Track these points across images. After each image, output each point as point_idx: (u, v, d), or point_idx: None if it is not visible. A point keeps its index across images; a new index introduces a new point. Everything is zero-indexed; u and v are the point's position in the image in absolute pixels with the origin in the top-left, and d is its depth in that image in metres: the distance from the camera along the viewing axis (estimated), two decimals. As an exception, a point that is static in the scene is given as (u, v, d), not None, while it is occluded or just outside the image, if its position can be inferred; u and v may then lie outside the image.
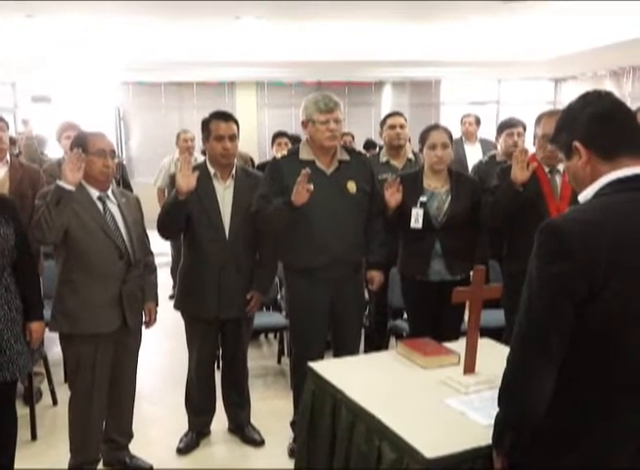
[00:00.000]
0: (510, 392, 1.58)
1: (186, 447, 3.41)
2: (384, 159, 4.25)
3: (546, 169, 3.26)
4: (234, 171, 3.32)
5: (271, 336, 5.25)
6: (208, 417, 3.53)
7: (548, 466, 1.56)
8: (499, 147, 4.67)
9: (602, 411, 1.50)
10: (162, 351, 4.89)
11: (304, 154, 3.20)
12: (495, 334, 3.11)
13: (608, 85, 10.00)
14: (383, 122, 4.37)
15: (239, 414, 3.56)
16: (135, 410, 3.28)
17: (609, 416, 1.50)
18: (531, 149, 3.33)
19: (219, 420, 3.58)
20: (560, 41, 7.80)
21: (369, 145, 7.76)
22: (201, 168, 3.23)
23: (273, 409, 3.84)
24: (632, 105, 6.48)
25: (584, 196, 1.59)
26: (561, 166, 3.15)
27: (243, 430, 3.53)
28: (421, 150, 3.54)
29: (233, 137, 3.24)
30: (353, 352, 3.24)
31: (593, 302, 1.43)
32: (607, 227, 1.45)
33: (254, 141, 10.74)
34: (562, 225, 1.48)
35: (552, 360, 1.49)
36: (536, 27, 6.91)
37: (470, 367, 2.36)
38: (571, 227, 1.46)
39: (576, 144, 1.57)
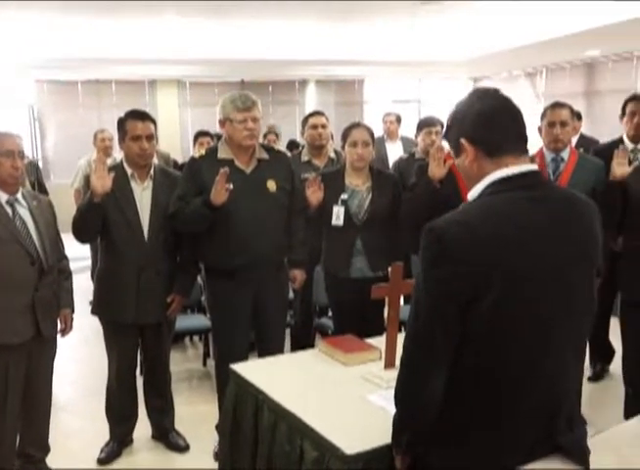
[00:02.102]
0: (401, 392, 1.59)
1: (107, 457, 3.31)
2: (305, 158, 4.26)
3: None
4: (152, 172, 3.25)
5: (196, 338, 5.17)
6: (131, 425, 3.44)
7: (443, 462, 1.57)
8: (418, 145, 4.76)
9: (491, 410, 1.53)
10: (81, 358, 4.74)
11: (223, 153, 3.16)
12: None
13: (522, 84, 10.38)
14: (304, 122, 4.38)
15: (162, 420, 3.49)
16: (53, 422, 3.17)
17: (498, 414, 1.53)
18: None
19: (142, 427, 3.49)
20: (477, 42, 8.04)
21: (292, 145, 7.75)
22: (117, 169, 3.15)
23: (198, 413, 3.79)
24: (545, 103, 6.74)
25: (472, 195, 1.60)
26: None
27: (167, 436, 3.46)
28: (343, 147, 3.56)
29: (150, 137, 3.17)
30: (277, 351, 3.22)
31: (477, 303, 1.45)
32: (488, 229, 1.47)
33: (177, 140, 10.56)
34: (444, 228, 1.48)
35: (439, 361, 1.51)
36: (454, 29, 7.09)
37: (390, 362, 2.39)
38: (454, 230, 1.47)
39: (463, 141, 1.59)
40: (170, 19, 6.24)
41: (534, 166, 1.61)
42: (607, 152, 3.73)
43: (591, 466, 1.58)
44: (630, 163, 3.45)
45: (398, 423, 1.65)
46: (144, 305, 3.18)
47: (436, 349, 1.50)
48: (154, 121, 3.23)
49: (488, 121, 1.57)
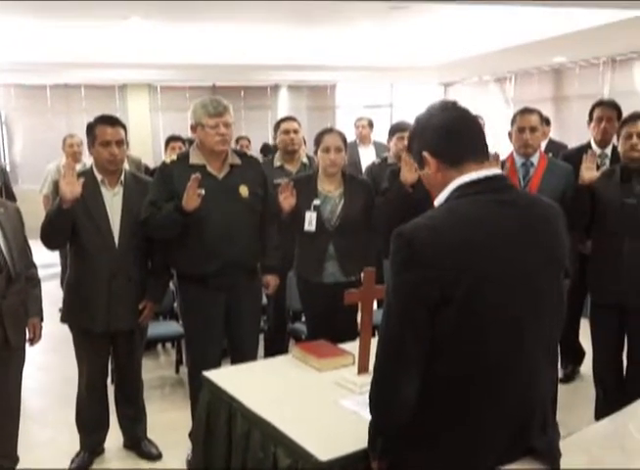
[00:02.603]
0: (375, 398, 1.60)
1: (78, 468, 3.25)
2: (278, 163, 4.25)
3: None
4: (123, 177, 3.21)
5: (168, 345, 5.12)
6: (102, 434, 3.39)
7: (417, 467, 1.58)
8: (391, 150, 4.78)
9: (462, 414, 1.54)
10: (51, 367, 4.66)
11: (195, 158, 3.14)
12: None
13: (493, 89, 10.50)
14: (276, 127, 4.37)
15: (134, 429, 3.44)
16: (22, 432, 3.11)
17: (469, 418, 1.54)
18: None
19: (114, 436, 3.44)
20: (447, 48, 8.11)
21: (266, 150, 7.74)
22: (87, 175, 3.11)
23: (171, 421, 3.74)
24: (515, 108, 6.83)
25: (438, 201, 1.63)
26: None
27: (139, 445, 3.42)
28: (315, 153, 3.56)
29: (120, 142, 3.14)
30: (251, 358, 3.20)
31: (447, 307, 1.46)
32: (457, 233, 1.49)
33: (148, 145, 10.47)
34: (412, 233, 1.49)
35: (411, 366, 1.51)
36: (425, 34, 7.15)
37: (363, 367, 2.39)
38: (423, 234, 1.48)
39: (425, 154, 1.62)
40: (137, 22, 6.18)
41: (499, 171, 1.64)
42: (575, 157, 3.79)
43: (562, 467, 1.59)
44: (598, 167, 3.51)
45: (373, 428, 1.66)
46: (115, 312, 3.14)
47: (407, 353, 1.50)
48: (124, 126, 3.20)
49: (448, 134, 1.61)
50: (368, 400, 1.62)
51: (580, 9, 5.35)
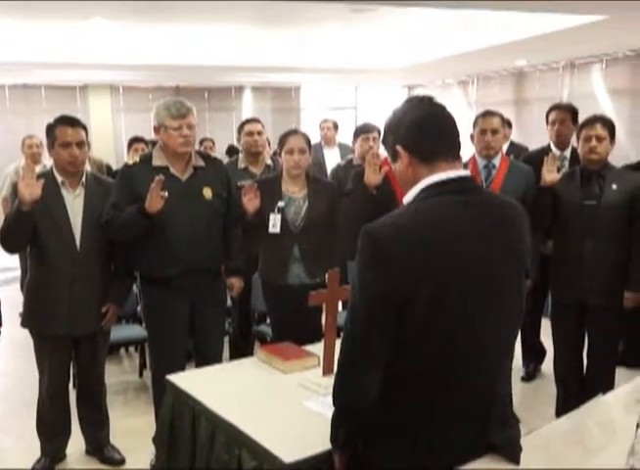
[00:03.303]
0: (337, 390, 1.62)
1: (39, 475, 3.20)
2: (242, 165, 4.23)
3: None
4: (84, 179, 3.16)
5: (132, 349, 5.06)
6: (63, 440, 3.33)
7: (380, 459, 1.60)
8: (356, 151, 4.81)
9: (425, 409, 1.56)
10: (11, 372, 4.57)
11: (158, 160, 3.11)
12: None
13: (455, 92, 10.63)
14: (240, 129, 4.35)
15: (97, 434, 3.39)
16: (-21, 440, 3.04)
17: (432, 413, 1.57)
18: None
19: (76, 442, 3.38)
20: (411, 51, 8.17)
21: (232, 151, 7.70)
22: (47, 176, 3.06)
23: (134, 426, 3.70)
24: (477, 110, 6.92)
25: (407, 199, 1.64)
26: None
27: (102, 450, 3.37)
28: (279, 154, 3.56)
29: (81, 144, 3.09)
30: (216, 360, 3.18)
31: (411, 305, 1.48)
32: (422, 232, 1.51)
33: (111, 147, 10.32)
34: (379, 232, 1.51)
35: (374, 361, 1.54)
36: (388, 38, 7.19)
37: (328, 368, 2.39)
38: (388, 233, 1.50)
39: (398, 148, 1.63)
40: (98, 22, 6.08)
41: (467, 172, 1.66)
42: (536, 159, 3.86)
43: (522, 464, 1.62)
44: (559, 170, 3.58)
45: (335, 420, 1.67)
46: (77, 315, 3.09)
47: (372, 349, 1.52)
48: (84, 127, 3.15)
49: (422, 129, 1.62)
50: (332, 398, 1.64)
51: (541, 14, 5.44)
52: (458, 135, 1.67)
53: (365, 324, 1.52)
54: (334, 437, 1.68)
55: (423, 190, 1.60)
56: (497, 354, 1.64)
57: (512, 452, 1.63)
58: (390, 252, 1.47)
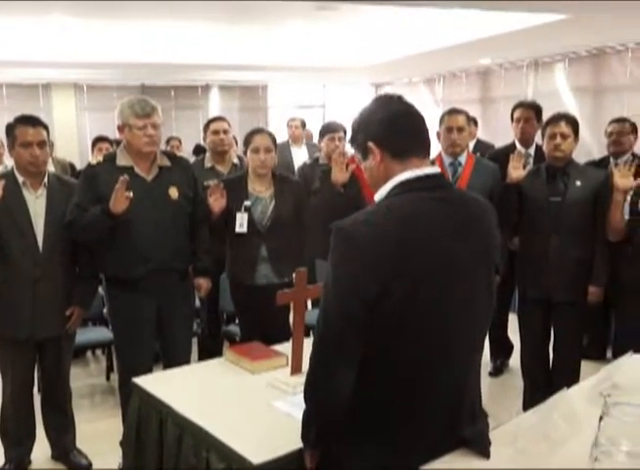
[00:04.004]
0: (309, 387, 1.62)
1: (3, 482, 3.13)
2: (208, 164, 4.19)
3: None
4: (46, 180, 3.10)
5: (99, 352, 4.99)
6: (28, 446, 3.26)
7: (351, 457, 1.60)
8: (322, 150, 4.80)
9: (396, 404, 1.57)
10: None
11: (122, 160, 3.07)
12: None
13: (422, 90, 10.69)
14: (206, 127, 4.30)
15: (63, 439, 3.33)
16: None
17: (403, 409, 1.58)
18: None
19: (41, 447, 3.32)
20: (378, 49, 8.19)
21: (199, 150, 7.64)
22: (8, 177, 3.00)
23: (101, 430, 3.64)
24: (443, 108, 6.97)
25: (379, 196, 1.65)
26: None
27: (67, 456, 3.31)
28: (245, 153, 3.54)
29: (42, 143, 3.03)
30: (184, 362, 3.15)
31: (384, 300, 1.49)
32: (393, 229, 1.52)
33: (74, 146, 10.15)
34: (352, 228, 1.52)
35: (347, 358, 1.54)
36: (355, 36, 7.20)
37: (297, 368, 2.38)
38: (361, 229, 1.51)
39: (370, 144, 1.64)
40: (58, 18, 5.96)
41: (438, 169, 1.68)
42: (501, 156, 3.91)
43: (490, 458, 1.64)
44: (524, 167, 3.63)
45: (306, 418, 1.66)
46: (40, 318, 3.04)
47: (345, 345, 1.52)
48: (46, 127, 3.08)
49: (395, 125, 1.63)
50: (303, 396, 1.63)
51: (504, 12, 5.50)
52: (428, 133, 1.69)
53: (339, 321, 1.52)
54: (305, 435, 1.67)
55: (396, 186, 1.61)
56: (469, 350, 1.66)
57: (482, 447, 1.66)
58: (364, 248, 1.48)
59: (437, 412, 1.60)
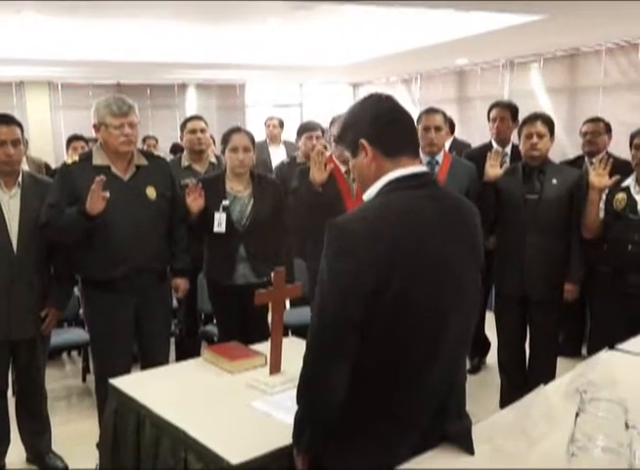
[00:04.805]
0: (306, 389, 1.60)
1: (-24, 486, 3.08)
2: (186, 163, 4.16)
3: (343, 169, 3.41)
4: (20, 179, 3.06)
5: (74, 353, 4.93)
6: (2, 449, 3.20)
7: (341, 457, 1.60)
8: (300, 149, 4.79)
9: (387, 401, 1.58)
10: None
11: (98, 159, 3.03)
12: (303, 331, 3.18)
13: (400, 90, 10.73)
14: (183, 126, 4.28)
15: (38, 442, 3.28)
16: None
17: (393, 405, 1.58)
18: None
19: (15, 451, 3.27)
20: (355, 49, 8.21)
21: (176, 149, 7.58)
22: (-20, 176, 2.94)
23: (77, 432, 3.60)
24: (420, 108, 7.01)
25: (369, 194, 1.65)
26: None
27: (43, 459, 3.27)
28: (223, 152, 3.52)
29: (16, 142, 2.98)
30: (162, 362, 3.13)
31: (379, 296, 1.49)
32: (387, 225, 1.52)
33: (49, 145, 10.01)
34: (346, 225, 1.53)
35: (345, 355, 1.52)
36: (332, 35, 7.21)
37: (275, 367, 2.38)
38: (356, 226, 1.52)
39: (362, 141, 1.64)
40: (30, 16, 5.87)
41: (425, 168, 1.70)
42: (478, 155, 3.94)
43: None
44: (501, 165, 3.66)
45: (299, 420, 1.64)
46: (15, 319, 2.99)
47: (342, 342, 1.51)
48: (20, 125, 3.04)
49: (386, 123, 1.64)
50: (296, 397, 1.61)
51: (481, 12, 5.54)
52: (417, 133, 1.72)
53: (335, 317, 1.51)
54: (297, 438, 1.64)
55: (387, 184, 1.61)
56: (457, 348, 1.67)
57: (466, 442, 1.67)
58: (359, 244, 1.49)
59: (426, 408, 1.62)
